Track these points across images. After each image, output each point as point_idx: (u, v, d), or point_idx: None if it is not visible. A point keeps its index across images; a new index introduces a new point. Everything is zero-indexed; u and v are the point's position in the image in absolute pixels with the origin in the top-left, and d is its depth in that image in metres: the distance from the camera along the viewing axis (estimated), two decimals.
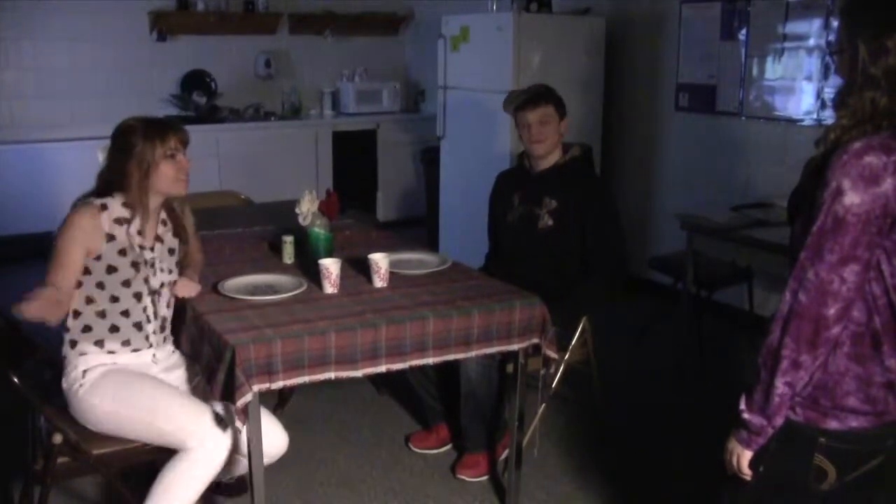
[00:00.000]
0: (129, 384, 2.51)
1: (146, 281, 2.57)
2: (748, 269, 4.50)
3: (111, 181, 2.53)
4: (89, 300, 2.52)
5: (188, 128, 2.65)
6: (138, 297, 2.56)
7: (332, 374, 2.45)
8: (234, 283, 2.79)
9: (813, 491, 1.71)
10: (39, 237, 4.02)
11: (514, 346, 2.75)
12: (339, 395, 3.92)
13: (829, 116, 4.36)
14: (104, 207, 2.50)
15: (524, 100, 3.45)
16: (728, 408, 1.82)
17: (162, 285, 2.63)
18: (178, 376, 2.71)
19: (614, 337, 4.60)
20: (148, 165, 2.49)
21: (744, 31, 4.84)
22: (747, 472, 1.74)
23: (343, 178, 7.20)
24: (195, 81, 7.03)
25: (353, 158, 7.38)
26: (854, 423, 1.66)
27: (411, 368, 2.73)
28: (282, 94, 7.41)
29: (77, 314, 2.53)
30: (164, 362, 2.68)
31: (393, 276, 2.87)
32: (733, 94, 4.96)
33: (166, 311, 2.69)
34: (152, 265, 2.59)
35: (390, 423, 3.73)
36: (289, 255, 3.16)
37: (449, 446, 3.48)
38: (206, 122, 6.70)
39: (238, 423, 2.35)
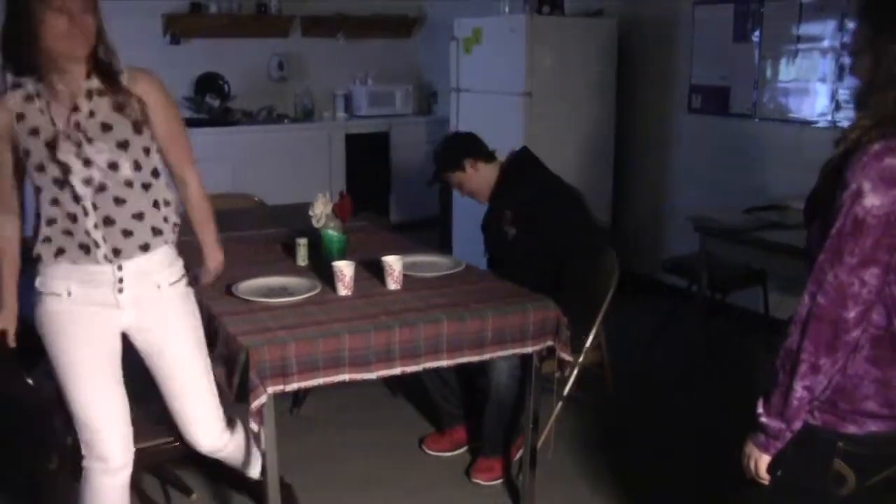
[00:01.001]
0: (55, 345, 2.24)
1: (69, 166, 2.11)
2: (762, 271, 4.48)
3: (14, 56, 2.11)
4: (39, 213, 2.22)
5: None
6: (74, 195, 2.14)
7: (346, 376, 2.46)
8: (248, 286, 2.79)
9: (832, 496, 1.69)
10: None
11: (529, 349, 2.74)
12: (352, 396, 3.92)
13: (843, 118, 4.35)
14: (16, 86, 2.14)
15: (432, 179, 3.65)
16: (743, 411, 1.81)
17: (92, 182, 2.14)
18: (166, 318, 2.32)
19: (628, 339, 4.58)
20: (29, 21, 2.02)
21: (757, 33, 4.82)
22: (765, 477, 1.72)
23: (356, 181, 7.20)
24: (208, 84, 7.05)
25: (366, 161, 7.38)
26: (873, 427, 1.64)
27: (425, 371, 2.73)
28: (294, 96, 7.42)
29: (38, 217, 2.24)
30: (137, 294, 2.25)
31: (406, 279, 2.87)
32: (747, 95, 4.93)
33: (126, 220, 2.19)
34: (73, 140, 2.12)
35: (404, 425, 3.73)
36: (302, 258, 3.17)
37: (463, 449, 3.47)
38: (219, 125, 6.71)
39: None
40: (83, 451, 2.28)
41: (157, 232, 2.24)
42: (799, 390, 1.61)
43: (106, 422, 2.26)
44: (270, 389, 2.32)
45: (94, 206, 2.15)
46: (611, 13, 5.58)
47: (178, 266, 2.36)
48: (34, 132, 2.12)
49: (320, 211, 3.21)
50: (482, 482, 3.24)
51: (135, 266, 2.23)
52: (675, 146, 5.51)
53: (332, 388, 2.58)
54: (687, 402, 4.02)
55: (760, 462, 1.71)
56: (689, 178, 5.43)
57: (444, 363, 2.61)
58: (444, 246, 6.17)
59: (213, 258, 2.49)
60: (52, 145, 2.11)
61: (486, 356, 2.70)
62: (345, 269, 2.76)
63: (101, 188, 2.15)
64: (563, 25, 5.39)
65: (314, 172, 7.02)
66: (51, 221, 2.18)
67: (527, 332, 2.71)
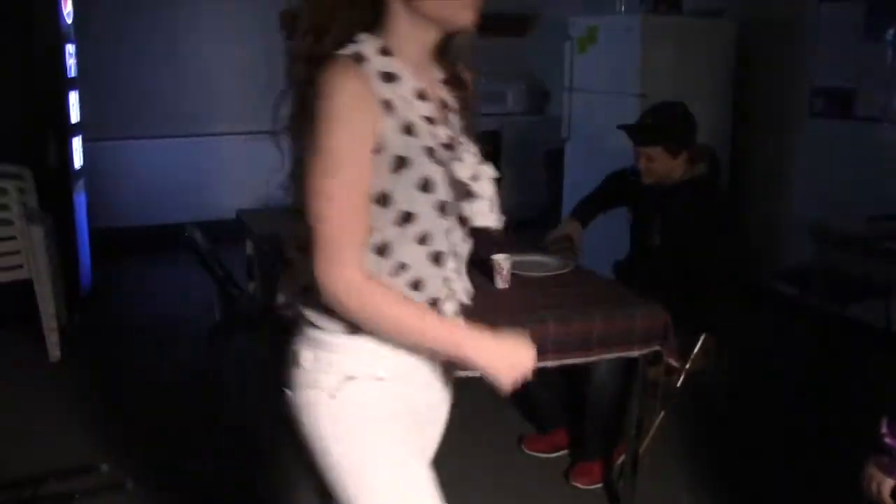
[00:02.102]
0: (388, 439, 1.61)
1: (452, 185, 1.43)
2: (886, 283, 4.28)
3: (346, 14, 1.38)
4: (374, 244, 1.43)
5: None
6: (448, 223, 1.46)
7: None
8: None
9: None
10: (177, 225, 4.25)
11: (635, 353, 2.70)
12: (454, 393, 3.94)
13: None
14: (359, 58, 1.37)
15: (630, 129, 3.33)
16: (859, 429, 1.74)
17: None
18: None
19: (737, 348, 4.45)
20: None
21: (891, 31, 4.58)
22: (889, 502, 1.64)
23: None
24: None
25: None
26: None
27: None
28: None
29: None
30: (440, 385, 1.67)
31: (514, 278, 2.87)
32: (876, 98, 4.70)
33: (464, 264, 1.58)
34: (452, 149, 1.45)
35: (504, 425, 3.72)
36: None
37: (563, 452, 3.44)
38: None
39: None
40: None
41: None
42: None
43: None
44: None
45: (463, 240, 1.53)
46: (731, 13, 5.43)
47: None
48: (408, 130, 1.40)
49: None
50: (581, 486, 3.20)
51: None
52: (795, 152, 5.32)
53: None
54: (797, 415, 3.88)
55: (884, 486, 1.64)
56: (809, 185, 5.23)
57: (549, 364, 2.59)
58: None
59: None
60: (433, 155, 1.42)
61: (593, 358, 2.68)
62: (503, 262, 2.80)
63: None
64: (680, 25, 5.28)
65: None
66: (401, 269, 1.45)
67: (634, 336, 2.66)
